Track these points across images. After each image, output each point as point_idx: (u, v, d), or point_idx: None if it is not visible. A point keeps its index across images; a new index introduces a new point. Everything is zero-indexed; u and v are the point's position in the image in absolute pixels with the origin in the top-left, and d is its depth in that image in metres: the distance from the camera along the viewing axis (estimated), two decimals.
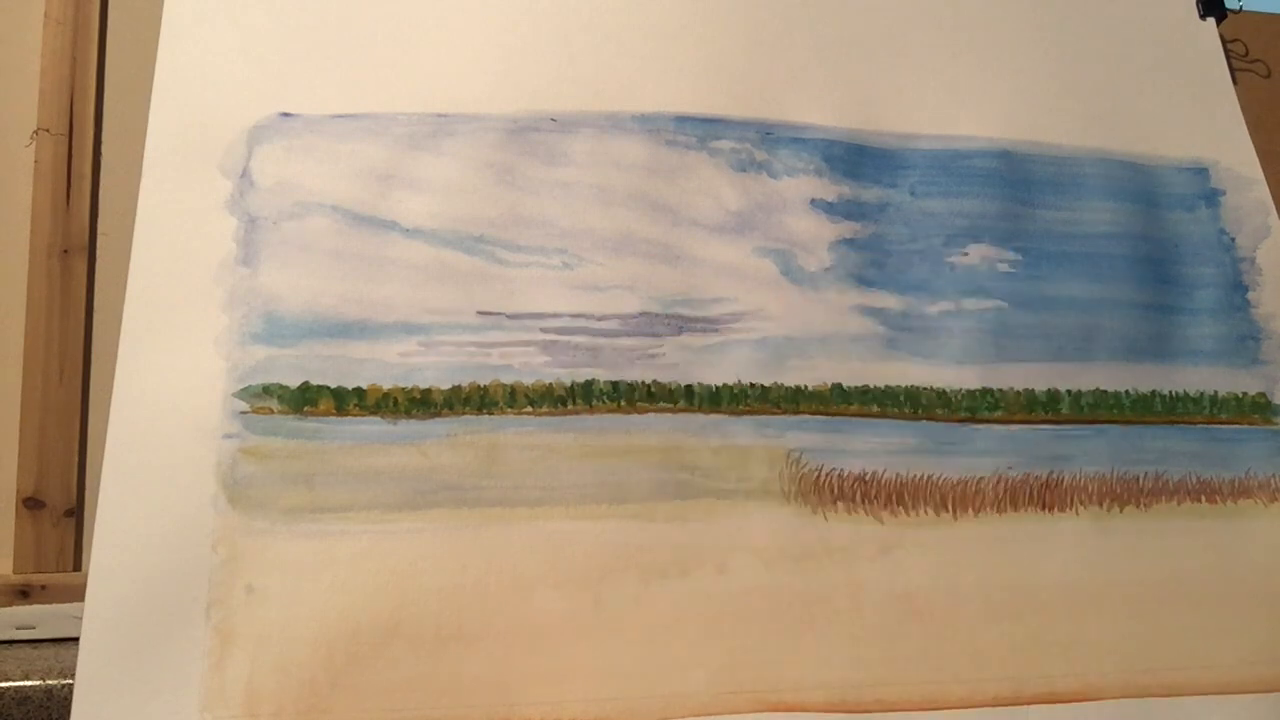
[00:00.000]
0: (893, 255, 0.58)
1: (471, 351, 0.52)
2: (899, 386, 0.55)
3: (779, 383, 0.54)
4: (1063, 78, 0.65)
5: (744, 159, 0.58)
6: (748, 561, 0.50)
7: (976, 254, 0.59)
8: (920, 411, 0.55)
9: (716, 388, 0.53)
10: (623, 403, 0.52)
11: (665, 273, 0.55)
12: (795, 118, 0.60)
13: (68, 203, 0.59)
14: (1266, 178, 0.65)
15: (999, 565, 0.52)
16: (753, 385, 0.54)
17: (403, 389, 0.50)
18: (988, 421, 0.56)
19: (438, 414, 0.50)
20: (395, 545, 0.48)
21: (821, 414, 0.54)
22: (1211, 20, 0.69)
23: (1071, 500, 0.55)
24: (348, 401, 0.50)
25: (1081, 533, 0.54)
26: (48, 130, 0.60)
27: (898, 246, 0.59)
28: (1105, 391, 0.58)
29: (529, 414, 0.51)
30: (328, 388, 0.50)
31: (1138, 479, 0.56)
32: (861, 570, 0.51)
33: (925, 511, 0.53)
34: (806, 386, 0.54)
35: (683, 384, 0.53)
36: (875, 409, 0.55)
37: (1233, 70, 0.68)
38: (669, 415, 0.52)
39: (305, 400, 0.50)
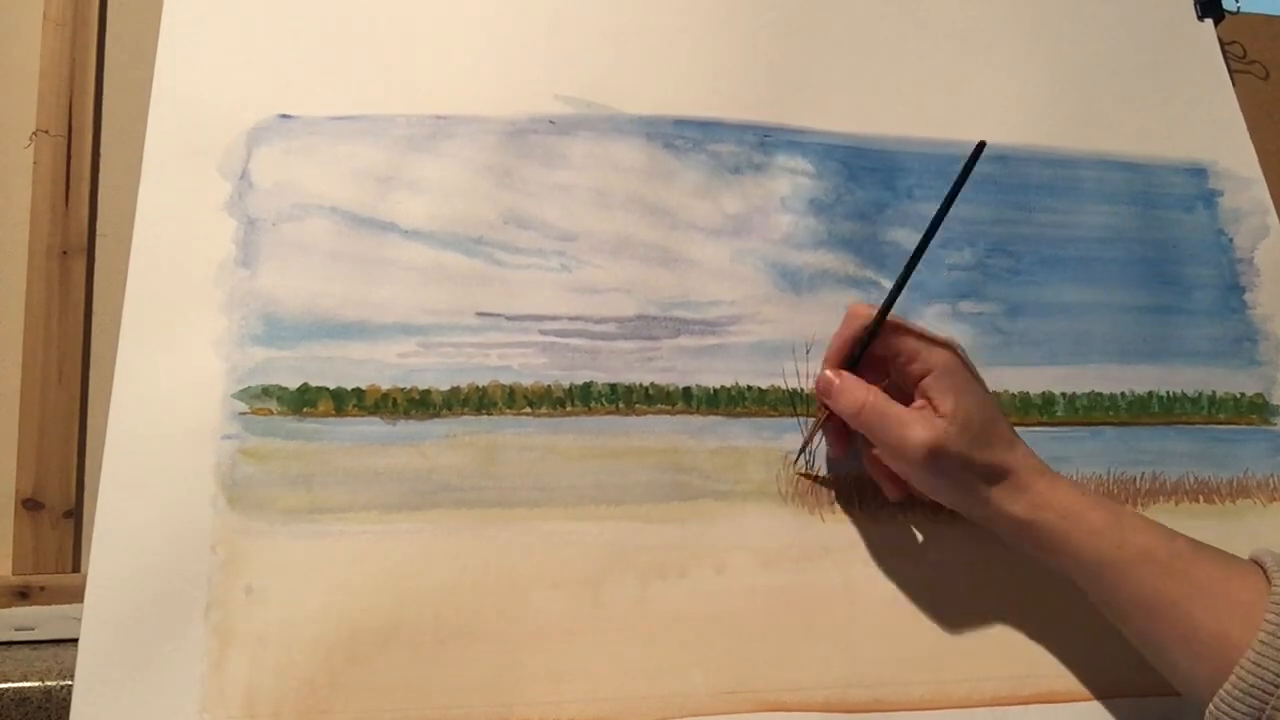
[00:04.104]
0: (889, 258, 0.58)
1: (470, 353, 0.52)
2: None
3: (776, 385, 0.54)
4: (1060, 80, 0.65)
5: (742, 162, 0.58)
6: (746, 562, 0.50)
7: (973, 257, 0.60)
8: None
9: (714, 390, 0.53)
10: (621, 405, 0.52)
11: (663, 275, 0.55)
12: (793, 121, 0.60)
13: (67, 204, 0.59)
14: (1265, 178, 0.65)
15: (997, 566, 0.52)
16: (750, 387, 0.54)
17: (402, 390, 0.51)
18: None
19: (437, 415, 0.50)
20: (394, 546, 0.48)
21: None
22: (1209, 22, 0.69)
23: None
24: (347, 402, 0.50)
25: None
26: (47, 131, 0.60)
27: (894, 250, 0.59)
28: (1101, 394, 0.58)
29: (528, 415, 0.51)
30: (327, 389, 0.50)
31: (1135, 480, 0.56)
32: (859, 571, 0.51)
33: (923, 512, 0.53)
34: (803, 389, 0.54)
35: (680, 386, 0.53)
36: None
37: (1231, 72, 0.68)
38: (667, 417, 0.52)
39: (304, 401, 0.50)
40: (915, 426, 0.46)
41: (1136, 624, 0.44)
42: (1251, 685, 0.38)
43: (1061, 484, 0.46)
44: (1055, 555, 0.46)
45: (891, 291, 0.49)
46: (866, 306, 0.50)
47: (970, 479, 0.46)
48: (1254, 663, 0.38)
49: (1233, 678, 0.39)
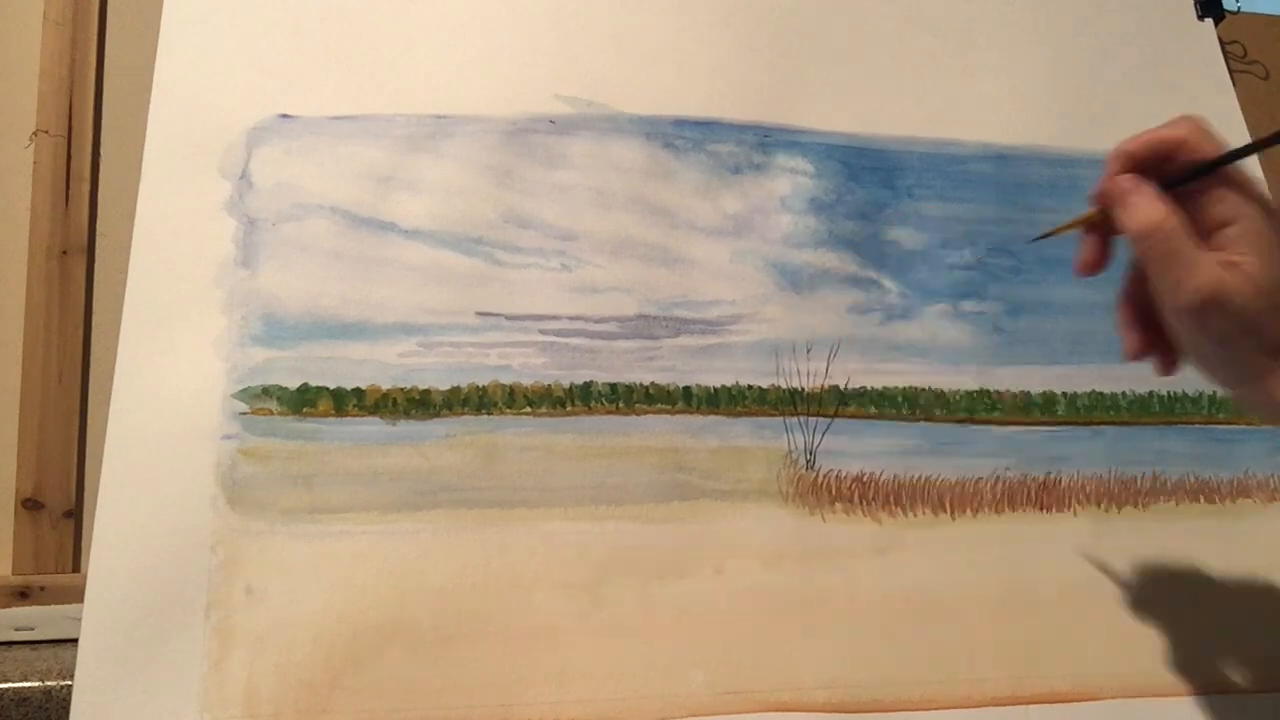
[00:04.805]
0: (890, 258, 0.58)
1: (470, 352, 0.52)
2: (896, 388, 0.55)
3: (776, 385, 0.54)
4: (1060, 80, 0.65)
5: (742, 162, 0.58)
6: (746, 562, 0.50)
7: (973, 256, 0.60)
8: (918, 413, 0.55)
9: (714, 389, 0.53)
10: (621, 404, 0.52)
11: (663, 275, 0.55)
12: (793, 121, 0.60)
13: (67, 204, 0.59)
14: (1265, 178, 0.65)
15: (997, 566, 0.52)
16: (750, 387, 0.54)
17: (402, 390, 0.51)
18: (985, 423, 0.56)
19: (437, 415, 0.50)
20: (395, 546, 0.48)
21: (819, 415, 0.54)
22: (1209, 22, 0.69)
23: (1069, 501, 0.55)
24: (347, 402, 0.50)
25: (1079, 533, 0.55)
26: (47, 132, 0.60)
27: (894, 249, 0.59)
28: (1102, 393, 0.58)
29: (528, 415, 0.51)
30: (327, 389, 0.50)
31: (1135, 479, 0.56)
32: (859, 571, 0.51)
33: (923, 512, 0.53)
34: (804, 388, 0.54)
35: (681, 386, 0.53)
36: (873, 410, 0.55)
37: (1231, 72, 0.68)
38: (667, 417, 0.52)
39: (304, 401, 0.50)
40: (1202, 269, 0.38)
41: None
42: None
43: None
44: None
45: (1249, 146, 0.40)
46: (1209, 137, 0.41)
47: (1250, 350, 0.39)
48: None
49: None
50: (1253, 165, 0.65)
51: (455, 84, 0.57)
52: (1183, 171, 0.41)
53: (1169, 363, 0.43)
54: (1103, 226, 0.42)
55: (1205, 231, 0.40)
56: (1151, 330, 0.43)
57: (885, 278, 0.58)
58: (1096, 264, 0.44)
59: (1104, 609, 0.53)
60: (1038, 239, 0.48)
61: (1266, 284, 0.38)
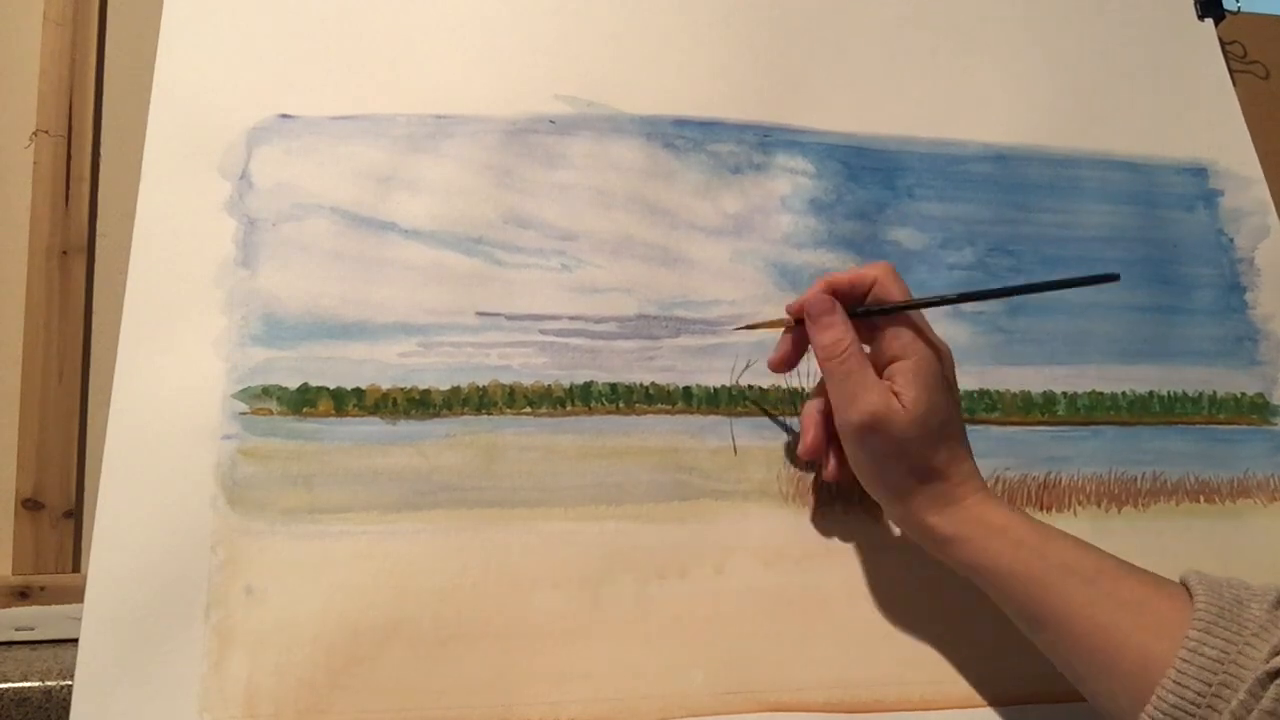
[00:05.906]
0: (890, 258, 0.58)
1: (470, 352, 0.52)
2: None
3: (777, 385, 0.54)
4: (1060, 80, 0.65)
5: (742, 162, 0.58)
6: (746, 562, 0.50)
7: (974, 256, 0.60)
8: None
9: (714, 389, 0.53)
10: (621, 404, 0.52)
11: (663, 275, 0.55)
12: (793, 121, 0.60)
13: (67, 204, 0.59)
14: (1265, 178, 0.65)
15: None
16: (750, 387, 0.54)
17: (402, 389, 0.51)
18: (985, 423, 0.56)
19: (437, 415, 0.50)
20: (395, 546, 0.48)
21: None
22: (1209, 22, 0.69)
23: (1069, 501, 0.55)
24: (347, 402, 0.50)
25: (1079, 533, 0.54)
26: (46, 132, 0.60)
27: (894, 249, 0.59)
28: (1102, 393, 0.58)
29: (528, 415, 0.51)
30: (327, 389, 0.50)
31: (1135, 480, 0.56)
32: (859, 571, 0.51)
33: None
34: (805, 388, 0.54)
35: (681, 386, 0.53)
36: None
37: (1231, 72, 0.68)
38: (667, 417, 0.52)
39: (304, 401, 0.50)
40: (873, 391, 0.45)
41: (1055, 639, 0.42)
42: (1173, 704, 0.37)
43: (993, 502, 0.45)
44: (974, 567, 0.45)
45: (928, 299, 0.48)
46: (897, 280, 0.48)
47: (901, 470, 0.45)
48: (1175, 681, 0.37)
49: (1154, 697, 0.37)
50: (1251, 165, 0.65)
51: (455, 84, 0.57)
52: (871, 305, 0.48)
53: (834, 469, 0.50)
54: (800, 333, 0.49)
55: (881, 363, 0.47)
56: (828, 434, 0.49)
57: None
58: (790, 362, 0.51)
59: None
60: (739, 328, 0.54)
61: (920, 415, 0.44)
